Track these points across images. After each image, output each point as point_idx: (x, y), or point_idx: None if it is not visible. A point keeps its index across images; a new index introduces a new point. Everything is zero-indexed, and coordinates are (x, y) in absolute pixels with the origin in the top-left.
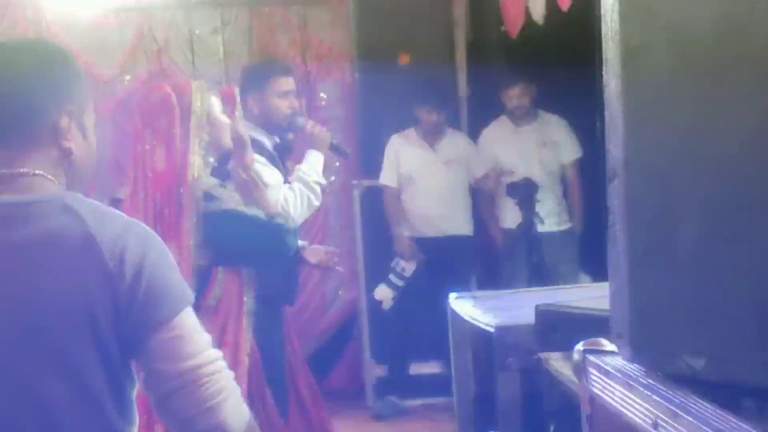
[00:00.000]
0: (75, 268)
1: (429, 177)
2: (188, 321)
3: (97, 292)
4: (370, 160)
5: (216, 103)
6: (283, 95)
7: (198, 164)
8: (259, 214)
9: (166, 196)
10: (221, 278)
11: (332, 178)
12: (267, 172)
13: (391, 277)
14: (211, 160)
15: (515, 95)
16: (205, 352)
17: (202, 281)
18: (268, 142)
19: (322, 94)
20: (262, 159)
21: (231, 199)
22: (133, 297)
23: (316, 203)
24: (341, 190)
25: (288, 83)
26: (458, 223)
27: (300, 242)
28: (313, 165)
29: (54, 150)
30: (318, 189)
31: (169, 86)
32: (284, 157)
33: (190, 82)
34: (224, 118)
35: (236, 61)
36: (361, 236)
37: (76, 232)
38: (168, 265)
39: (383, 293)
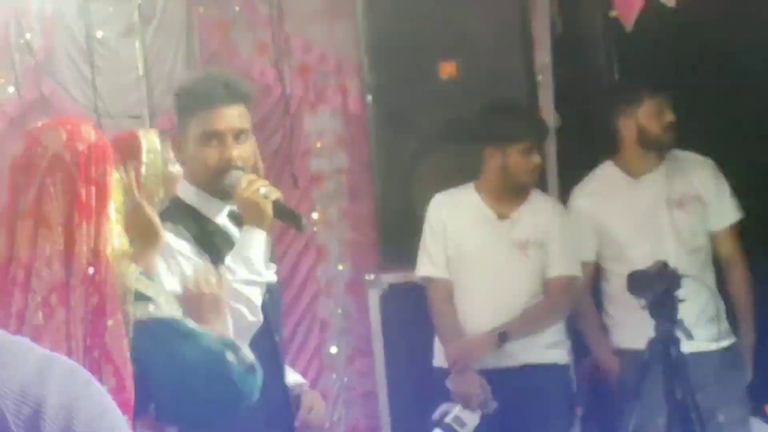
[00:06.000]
0: None
1: (492, 267)
2: None
3: None
4: (394, 239)
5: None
6: (212, 139)
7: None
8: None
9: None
10: None
11: (340, 269)
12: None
13: None
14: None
15: (653, 113)
16: None
17: None
18: (216, 214)
19: (312, 131)
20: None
21: (167, 302)
22: None
23: (252, 319)
24: (348, 291)
25: (219, 118)
26: (542, 344)
27: (294, 378)
28: (243, 253)
29: None
30: (255, 294)
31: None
32: None
33: (89, 122)
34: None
35: (167, 81)
36: (385, 371)
37: None
38: (111, 426)
39: None
